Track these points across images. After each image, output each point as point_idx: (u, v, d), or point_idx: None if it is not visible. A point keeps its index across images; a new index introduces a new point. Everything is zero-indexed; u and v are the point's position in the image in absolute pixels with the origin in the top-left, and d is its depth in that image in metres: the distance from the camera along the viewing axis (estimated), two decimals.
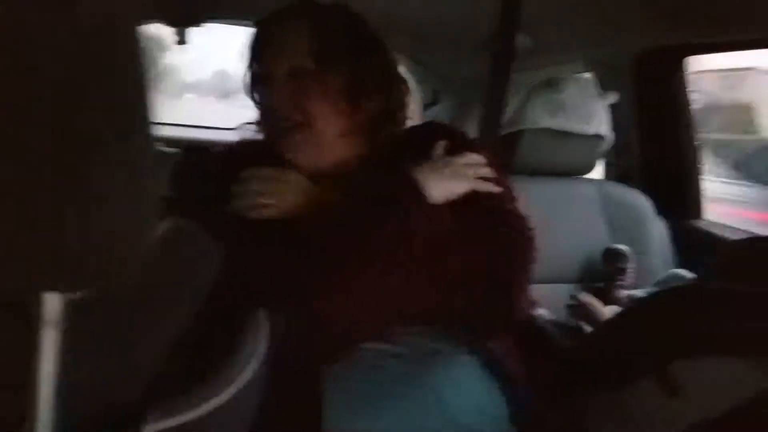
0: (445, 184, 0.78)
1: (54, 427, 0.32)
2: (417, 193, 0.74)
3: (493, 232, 0.79)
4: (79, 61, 0.26)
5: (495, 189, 0.83)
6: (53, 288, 0.30)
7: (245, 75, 0.91)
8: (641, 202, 1.63)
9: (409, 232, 0.72)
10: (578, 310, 1.33)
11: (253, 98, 0.91)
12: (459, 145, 0.88)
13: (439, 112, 2.39)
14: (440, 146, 0.85)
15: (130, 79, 0.30)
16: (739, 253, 0.96)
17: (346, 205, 0.77)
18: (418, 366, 0.75)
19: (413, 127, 1.01)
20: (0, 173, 0.25)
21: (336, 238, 0.73)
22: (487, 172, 0.83)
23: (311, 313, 0.67)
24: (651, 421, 0.86)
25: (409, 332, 0.80)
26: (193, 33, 1.73)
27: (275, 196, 0.79)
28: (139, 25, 0.30)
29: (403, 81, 0.94)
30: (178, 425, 0.42)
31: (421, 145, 0.87)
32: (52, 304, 0.31)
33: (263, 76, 0.87)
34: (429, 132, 0.94)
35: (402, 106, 0.93)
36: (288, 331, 0.57)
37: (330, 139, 0.86)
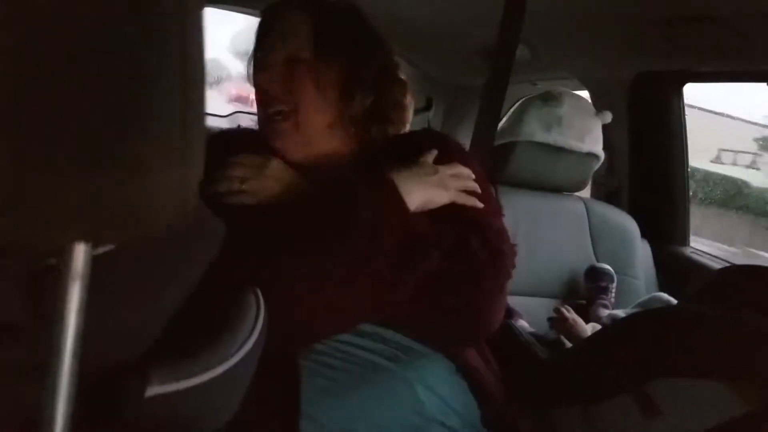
0: (424, 191, 0.77)
1: (76, 378, 0.32)
2: (393, 196, 0.74)
3: (465, 245, 0.77)
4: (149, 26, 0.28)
5: (477, 204, 0.83)
6: (85, 238, 0.30)
7: (249, 62, 0.92)
8: (628, 223, 1.64)
9: (376, 233, 0.71)
10: (559, 323, 1.33)
11: (253, 85, 0.91)
12: (451, 155, 0.87)
13: (431, 119, 2.40)
14: (430, 155, 0.85)
15: (192, 42, 0.30)
16: (711, 281, 0.97)
17: (318, 198, 0.77)
18: (394, 362, 0.75)
19: (409, 133, 1.01)
20: (48, 121, 0.26)
21: (301, 229, 0.72)
22: (473, 186, 0.83)
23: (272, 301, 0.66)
24: None
25: (383, 331, 0.78)
26: None
27: (255, 183, 0.79)
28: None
29: (402, 82, 0.94)
30: (179, 390, 0.44)
31: (413, 150, 0.87)
32: (79, 257, 0.31)
33: (261, 62, 0.87)
34: (423, 139, 0.93)
35: (396, 107, 0.93)
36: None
37: (316, 130, 0.86)
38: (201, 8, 0.30)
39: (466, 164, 0.86)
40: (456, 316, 0.78)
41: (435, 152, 0.86)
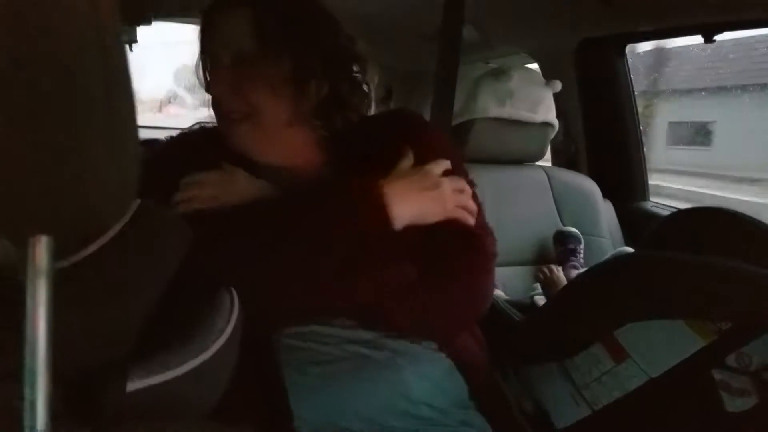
0: (419, 206, 0.74)
1: (49, 373, 0.34)
2: (377, 211, 0.71)
3: (449, 256, 0.79)
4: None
5: (470, 222, 0.80)
6: (46, 230, 0.32)
7: (197, 65, 0.88)
8: (589, 186, 1.70)
9: (347, 240, 0.71)
10: (548, 283, 1.38)
11: (206, 90, 0.88)
12: (424, 136, 0.87)
13: (393, 108, 2.42)
14: (438, 165, 0.79)
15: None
16: (662, 227, 1.02)
17: (298, 195, 0.76)
18: (381, 351, 0.75)
19: (377, 115, 0.97)
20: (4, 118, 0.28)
21: (276, 220, 0.72)
22: (471, 205, 0.81)
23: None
24: (600, 386, 0.90)
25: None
26: (144, 33, 1.72)
27: (223, 200, 0.76)
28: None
29: (359, 59, 0.88)
30: (157, 384, 0.46)
31: (387, 136, 0.86)
32: (42, 251, 0.33)
33: (210, 65, 0.85)
34: (393, 121, 0.91)
35: (356, 89, 0.87)
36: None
37: (277, 129, 0.83)
38: (118, 25, 0.33)
39: (439, 143, 0.86)
40: (446, 308, 0.79)
41: (446, 162, 0.80)
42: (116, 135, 0.33)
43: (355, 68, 0.87)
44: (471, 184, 0.87)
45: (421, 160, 0.82)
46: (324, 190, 0.75)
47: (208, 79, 0.86)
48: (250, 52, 0.80)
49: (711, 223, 0.92)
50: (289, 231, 0.71)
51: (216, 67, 0.83)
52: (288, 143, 0.85)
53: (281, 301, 0.72)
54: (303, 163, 0.86)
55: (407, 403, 0.73)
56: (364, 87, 0.88)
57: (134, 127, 0.35)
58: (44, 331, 0.33)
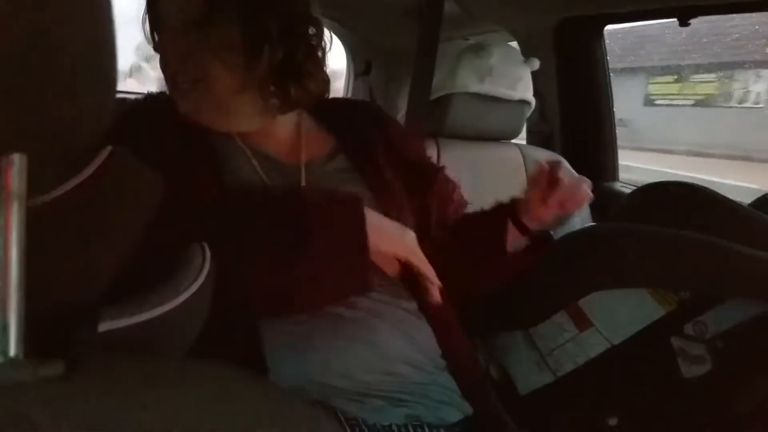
0: (391, 246, 0.76)
1: (22, 297, 0.33)
2: (358, 239, 0.71)
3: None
4: None
5: (432, 280, 0.80)
6: (18, 148, 0.31)
7: (143, 21, 0.84)
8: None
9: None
10: None
11: (154, 49, 0.84)
12: (393, 131, 0.88)
13: (372, 82, 2.41)
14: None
15: None
16: (629, 201, 1.05)
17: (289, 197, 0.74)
18: (356, 311, 0.75)
19: (347, 101, 0.97)
20: None
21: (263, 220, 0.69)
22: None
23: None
24: (564, 353, 0.93)
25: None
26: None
27: None
28: None
29: (316, 23, 0.84)
30: (130, 326, 0.46)
31: (354, 123, 0.87)
32: (15, 173, 0.32)
33: (159, 27, 0.81)
34: (363, 111, 0.92)
35: (312, 56, 0.83)
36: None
37: (227, 97, 0.80)
38: None
39: (408, 140, 0.89)
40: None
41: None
42: (94, 55, 0.33)
43: (311, 32, 0.83)
44: (446, 179, 0.93)
45: (390, 153, 0.86)
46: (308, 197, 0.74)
47: (156, 39, 0.83)
48: (200, 17, 0.77)
49: (674, 197, 0.95)
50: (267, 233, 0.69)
51: (164, 31, 0.80)
52: (239, 112, 0.83)
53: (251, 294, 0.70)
54: (261, 133, 0.84)
55: (384, 361, 0.73)
56: (319, 53, 0.85)
57: (113, 50, 0.34)
58: (17, 254, 0.32)
